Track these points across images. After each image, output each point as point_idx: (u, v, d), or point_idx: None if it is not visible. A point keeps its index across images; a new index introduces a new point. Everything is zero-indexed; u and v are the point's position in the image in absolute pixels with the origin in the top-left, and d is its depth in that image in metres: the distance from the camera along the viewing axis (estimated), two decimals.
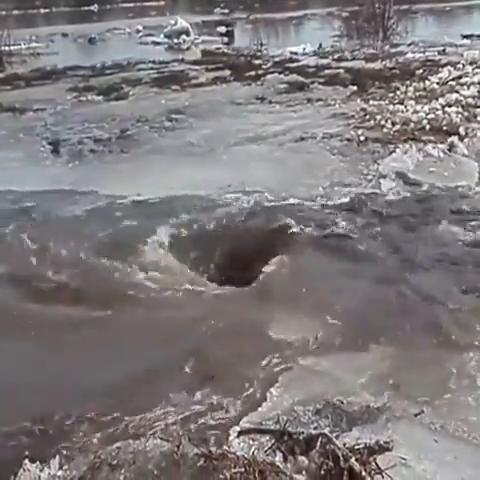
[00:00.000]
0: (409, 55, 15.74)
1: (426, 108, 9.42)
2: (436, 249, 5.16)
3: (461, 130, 8.14)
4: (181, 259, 5.21)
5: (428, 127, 8.60)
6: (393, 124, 8.87)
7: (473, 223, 5.57)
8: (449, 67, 12.38)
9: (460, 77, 11.61)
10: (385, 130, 8.70)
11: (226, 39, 24.97)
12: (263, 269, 4.84)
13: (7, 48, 20.59)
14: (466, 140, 7.82)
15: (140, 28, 29.09)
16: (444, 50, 16.11)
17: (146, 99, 12.23)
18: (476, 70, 12.03)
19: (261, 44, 21.43)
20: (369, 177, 6.90)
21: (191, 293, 4.66)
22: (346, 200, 6.24)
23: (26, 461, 2.93)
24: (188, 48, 22.67)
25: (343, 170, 7.08)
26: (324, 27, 27.56)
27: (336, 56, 16.63)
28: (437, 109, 9.31)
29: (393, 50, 17.42)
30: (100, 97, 12.51)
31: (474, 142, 7.67)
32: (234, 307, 4.42)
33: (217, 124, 9.69)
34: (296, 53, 17.84)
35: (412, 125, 8.74)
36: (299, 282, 4.64)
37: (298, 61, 16.39)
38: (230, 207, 6.06)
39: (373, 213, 5.91)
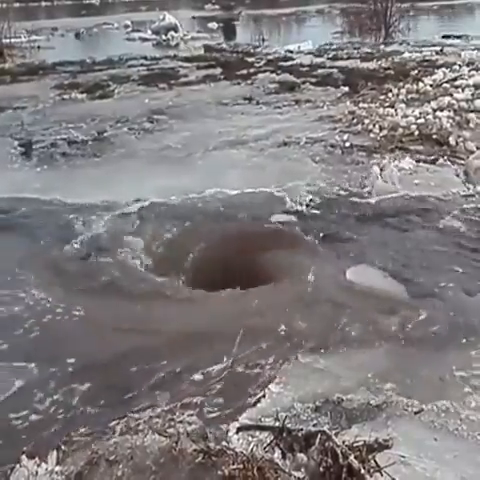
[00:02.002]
0: (406, 55, 15.40)
1: (416, 112, 9.04)
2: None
3: (451, 140, 7.62)
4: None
5: (417, 133, 8.21)
6: (381, 129, 8.50)
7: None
8: (444, 68, 11.93)
9: (455, 79, 11.20)
10: (372, 135, 8.35)
11: (216, 35, 24.40)
12: None
13: (8, 41, 20.19)
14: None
15: (128, 23, 28.53)
16: (442, 50, 15.71)
17: (131, 98, 11.94)
18: (472, 72, 11.63)
19: (263, 40, 21.07)
20: (353, 189, 6.42)
21: None
22: (326, 208, 6.12)
23: (23, 457, 2.93)
24: (176, 44, 22.20)
25: (323, 181, 6.60)
26: (325, 24, 27.08)
27: (331, 55, 16.14)
28: (428, 113, 8.94)
29: (388, 49, 16.93)
30: (84, 95, 12.27)
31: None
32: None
33: (199, 126, 9.35)
34: (291, 51, 17.35)
35: (400, 130, 8.36)
36: None
37: (292, 59, 16.12)
38: (196, 217, 5.92)
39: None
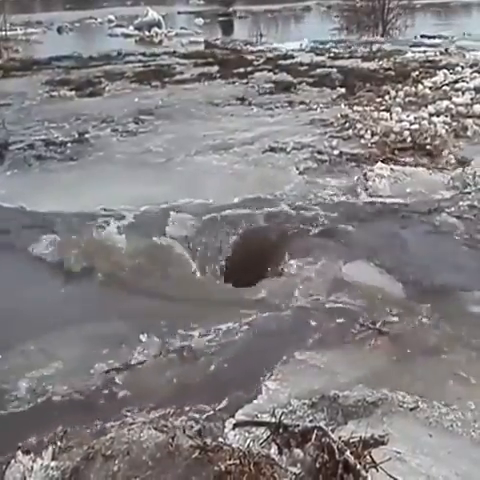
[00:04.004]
0: (409, 54, 14.99)
1: (412, 117, 8.71)
2: None
3: (445, 153, 7.17)
4: None
5: (409, 139, 7.74)
6: (372, 134, 8.19)
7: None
8: (446, 70, 11.48)
9: (456, 81, 10.82)
10: (363, 141, 8.02)
11: (200, 31, 23.99)
12: None
13: (3, 33, 19.88)
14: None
15: (112, 18, 28.01)
16: (447, 50, 15.20)
17: (121, 96, 11.71)
18: (475, 74, 11.21)
19: (261, 35, 20.82)
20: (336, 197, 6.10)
21: None
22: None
23: (19, 452, 2.94)
24: (160, 41, 21.72)
25: (302, 195, 6.21)
26: (319, 21, 26.76)
27: (332, 54, 15.68)
28: (423, 118, 8.59)
29: (389, 48, 16.58)
30: (73, 93, 12.08)
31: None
32: None
33: (185, 128, 9.01)
34: (283, 49, 16.93)
35: (392, 136, 8.02)
36: None
37: (292, 57, 15.73)
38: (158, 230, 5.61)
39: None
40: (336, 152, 7.63)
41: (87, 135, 8.84)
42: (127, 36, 24.11)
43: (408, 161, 7.17)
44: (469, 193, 6.31)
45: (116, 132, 9.02)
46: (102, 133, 8.99)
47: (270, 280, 4.79)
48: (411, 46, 17.32)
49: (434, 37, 19.37)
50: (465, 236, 5.34)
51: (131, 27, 25.38)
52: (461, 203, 6.04)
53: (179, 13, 32.50)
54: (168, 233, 5.48)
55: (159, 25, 24.37)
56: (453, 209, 5.88)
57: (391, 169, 6.69)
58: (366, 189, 6.44)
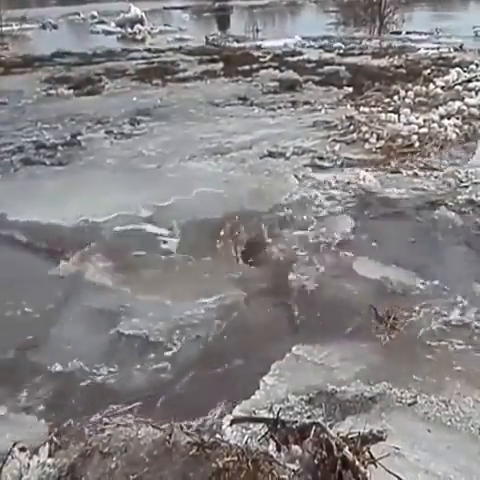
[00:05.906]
0: (421, 51, 14.53)
1: (421, 119, 8.39)
2: None
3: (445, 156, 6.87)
4: None
5: (417, 145, 7.29)
6: (378, 138, 7.83)
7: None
8: (459, 68, 11.06)
9: (469, 81, 10.36)
10: (367, 146, 7.69)
11: (184, 28, 23.64)
12: None
13: None
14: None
15: (95, 14, 27.61)
16: (461, 46, 14.70)
17: (119, 95, 11.51)
18: None
19: (257, 30, 20.68)
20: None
21: None
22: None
23: (15, 449, 2.94)
24: (143, 39, 21.28)
25: (300, 205, 5.91)
26: (317, 15, 26.59)
27: (342, 50, 15.23)
28: (433, 121, 8.15)
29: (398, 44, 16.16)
30: (71, 91, 11.85)
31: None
32: None
33: (182, 130, 8.76)
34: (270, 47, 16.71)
35: (399, 141, 7.68)
36: None
37: (300, 54, 15.22)
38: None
39: None
40: (339, 162, 7.21)
41: (79, 137, 8.67)
42: (109, 33, 23.81)
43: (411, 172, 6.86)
44: (466, 187, 6.27)
45: (110, 134, 8.80)
46: (95, 135, 8.79)
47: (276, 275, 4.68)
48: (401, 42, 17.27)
49: (419, 33, 19.30)
50: (463, 229, 5.35)
51: (113, 24, 25.12)
52: (459, 197, 5.99)
53: (165, 8, 32.01)
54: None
55: (142, 22, 24.07)
56: (451, 204, 5.83)
57: (374, 177, 6.42)
58: (362, 194, 6.16)
